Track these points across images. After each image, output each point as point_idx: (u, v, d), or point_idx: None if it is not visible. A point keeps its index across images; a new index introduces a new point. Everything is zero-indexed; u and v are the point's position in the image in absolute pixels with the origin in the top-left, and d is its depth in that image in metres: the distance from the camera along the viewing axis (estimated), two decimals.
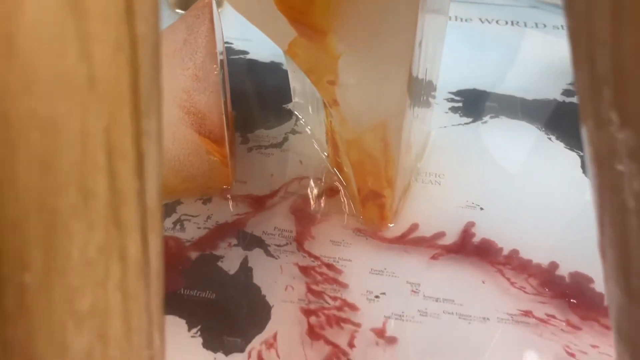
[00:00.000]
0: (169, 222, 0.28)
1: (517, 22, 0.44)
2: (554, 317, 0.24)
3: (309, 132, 0.34)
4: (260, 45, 0.41)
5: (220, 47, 0.28)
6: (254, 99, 0.37)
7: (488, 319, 0.24)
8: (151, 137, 0.12)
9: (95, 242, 0.11)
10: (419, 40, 0.23)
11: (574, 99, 0.37)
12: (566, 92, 0.37)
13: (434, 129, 0.34)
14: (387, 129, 0.26)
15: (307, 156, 0.32)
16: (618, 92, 0.11)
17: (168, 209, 0.29)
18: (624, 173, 0.11)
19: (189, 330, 0.24)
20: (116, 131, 0.11)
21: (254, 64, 0.40)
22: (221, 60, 0.29)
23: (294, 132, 0.34)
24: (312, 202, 0.29)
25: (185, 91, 0.27)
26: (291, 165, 0.32)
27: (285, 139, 0.33)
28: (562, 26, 0.43)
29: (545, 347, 0.23)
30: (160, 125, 0.13)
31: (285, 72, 0.36)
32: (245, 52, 0.41)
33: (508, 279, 0.26)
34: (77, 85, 0.10)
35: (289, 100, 0.35)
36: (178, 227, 0.28)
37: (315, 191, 0.30)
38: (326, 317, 0.24)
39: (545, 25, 0.44)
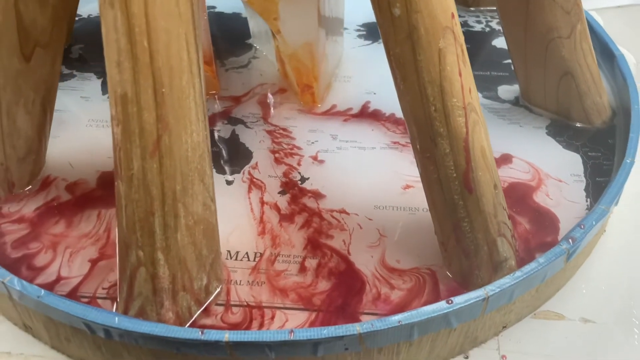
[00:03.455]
0: None
1: None
2: (408, 144, 0.43)
3: (266, 56, 0.51)
4: (223, 0, 0.58)
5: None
6: (224, 38, 0.54)
7: (375, 147, 0.43)
8: (199, 37, 0.30)
9: (185, 77, 0.29)
10: None
11: None
12: None
13: (348, 49, 0.52)
14: (311, 47, 0.44)
15: (265, 71, 0.50)
16: None
17: None
18: None
19: None
20: (188, 34, 0.29)
21: (220, 15, 0.57)
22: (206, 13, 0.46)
23: (254, 57, 0.52)
24: (270, 96, 0.47)
25: None
26: (254, 77, 0.49)
27: (249, 62, 0.51)
28: None
29: (404, 156, 0.42)
30: (201, 33, 0.30)
31: (244, 19, 0.53)
32: (213, 7, 0.58)
33: (387, 128, 0.44)
34: (175, 15, 0.28)
35: (249, 37, 0.53)
36: None
37: (271, 90, 0.48)
38: (284, 153, 0.42)
39: None
